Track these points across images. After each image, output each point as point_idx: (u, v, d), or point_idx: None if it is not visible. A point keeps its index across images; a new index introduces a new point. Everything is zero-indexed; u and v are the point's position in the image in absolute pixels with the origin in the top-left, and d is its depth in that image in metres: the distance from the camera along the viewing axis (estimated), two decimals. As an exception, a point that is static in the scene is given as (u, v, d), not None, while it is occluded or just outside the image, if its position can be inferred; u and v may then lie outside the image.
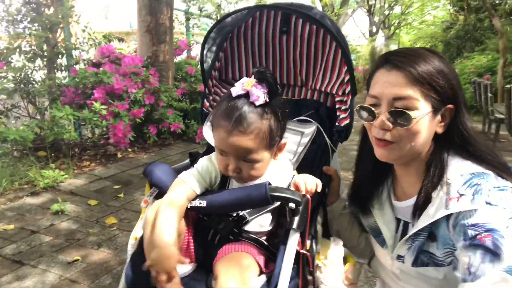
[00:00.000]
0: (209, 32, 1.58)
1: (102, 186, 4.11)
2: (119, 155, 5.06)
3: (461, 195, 1.01)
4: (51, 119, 4.46)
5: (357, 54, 17.23)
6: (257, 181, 1.26)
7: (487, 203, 0.97)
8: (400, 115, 1.05)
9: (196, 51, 7.90)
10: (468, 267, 0.95)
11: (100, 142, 5.31)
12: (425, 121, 1.05)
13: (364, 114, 1.15)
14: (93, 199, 3.75)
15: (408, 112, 1.03)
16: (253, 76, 1.17)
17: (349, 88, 1.50)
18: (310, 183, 1.21)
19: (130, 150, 5.31)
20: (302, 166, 1.47)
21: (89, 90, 4.89)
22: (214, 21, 8.55)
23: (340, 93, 1.58)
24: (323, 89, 1.66)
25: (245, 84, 1.15)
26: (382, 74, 1.10)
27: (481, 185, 1.00)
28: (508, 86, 4.63)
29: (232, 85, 1.82)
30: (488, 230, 0.94)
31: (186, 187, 1.19)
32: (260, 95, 1.14)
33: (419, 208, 1.13)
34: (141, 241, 1.30)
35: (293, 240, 1.14)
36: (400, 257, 1.22)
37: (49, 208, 3.48)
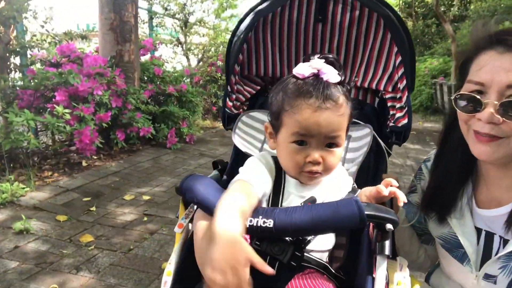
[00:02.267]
0: (241, 21, 1.35)
1: (70, 199, 3.67)
2: (84, 164, 4.59)
3: None
4: (6, 125, 3.94)
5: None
6: (322, 184, 1.08)
7: None
8: None
9: (160, 52, 7.51)
10: None
11: (62, 149, 4.81)
12: None
13: (464, 103, 0.96)
14: (61, 214, 3.32)
15: None
16: (316, 57, 1.03)
17: (403, 83, 1.31)
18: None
19: (95, 157, 4.85)
20: (357, 175, 1.26)
21: (49, 93, 4.40)
22: (178, 21, 8.19)
23: (389, 89, 1.39)
24: (365, 85, 1.47)
25: (314, 64, 1.01)
26: (491, 57, 0.93)
27: None
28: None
29: (256, 83, 1.60)
30: None
31: (247, 190, 0.93)
32: (333, 72, 1.01)
33: None
34: (178, 275, 1.04)
35: (383, 268, 0.93)
36: (490, 277, 1.05)
37: (10, 227, 3.02)
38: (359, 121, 1.35)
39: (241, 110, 1.52)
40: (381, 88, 1.41)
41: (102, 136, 4.81)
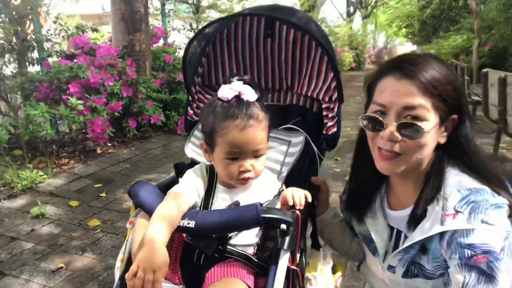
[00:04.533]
0: (191, 40, 1.52)
1: (83, 186, 4.00)
2: (98, 151, 4.92)
3: (457, 212, 1.00)
4: (26, 117, 4.29)
5: (335, 35, 17.12)
6: (249, 188, 1.27)
7: (484, 222, 0.96)
8: (410, 126, 1.02)
9: (173, 38, 7.71)
10: (462, 286, 0.95)
11: (78, 137, 5.16)
12: (432, 133, 1.03)
13: (368, 122, 1.11)
14: (74, 200, 3.65)
15: (418, 124, 1.00)
16: (235, 79, 1.23)
17: (335, 95, 1.47)
18: (299, 196, 1.19)
19: (109, 145, 5.17)
20: (290, 177, 1.44)
21: (64, 85, 4.71)
22: (191, 6, 8.33)
23: (326, 99, 1.55)
24: (309, 94, 1.62)
25: (234, 87, 1.20)
26: (391, 82, 1.06)
27: (478, 202, 0.98)
28: (485, 70, 4.66)
29: (217, 90, 1.79)
30: (484, 252, 0.93)
31: (178, 200, 1.15)
32: (252, 92, 1.20)
33: (414, 221, 1.12)
34: (128, 263, 1.26)
35: (284, 260, 1.12)
36: (391, 268, 1.22)
37: (28, 212, 3.37)
38: (298, 128, 1.52)
39: (202, 117, 1.71)
40: (320, 97, 1.57)
41: (115, 124, 5.11)
